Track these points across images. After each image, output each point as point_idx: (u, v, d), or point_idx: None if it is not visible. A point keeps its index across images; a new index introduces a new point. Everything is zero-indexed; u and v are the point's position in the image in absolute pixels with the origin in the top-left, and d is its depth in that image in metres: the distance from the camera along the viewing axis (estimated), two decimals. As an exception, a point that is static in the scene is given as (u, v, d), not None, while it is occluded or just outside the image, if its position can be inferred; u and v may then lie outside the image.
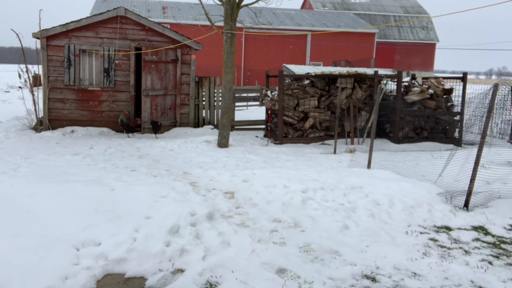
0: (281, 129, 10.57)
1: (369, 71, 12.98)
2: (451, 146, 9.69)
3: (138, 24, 11.68)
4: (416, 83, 10.96)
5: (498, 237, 4.81)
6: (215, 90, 12.60)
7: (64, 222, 4.42)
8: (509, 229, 5.03)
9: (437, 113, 10.74)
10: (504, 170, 6.84)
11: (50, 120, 11.39)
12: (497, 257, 4.27)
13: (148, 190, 5.60)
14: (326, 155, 9.18)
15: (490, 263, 4.12)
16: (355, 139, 10.76)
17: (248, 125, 12.81)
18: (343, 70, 13.37)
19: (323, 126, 10.90)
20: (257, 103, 13.90)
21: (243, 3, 9.86)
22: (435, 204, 5.64)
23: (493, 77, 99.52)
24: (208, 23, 10.12)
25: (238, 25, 10.06)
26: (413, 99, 10.56)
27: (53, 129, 11.22)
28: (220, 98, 11.97)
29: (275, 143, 10.60)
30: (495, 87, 5.66)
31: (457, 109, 10.79)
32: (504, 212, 5.43)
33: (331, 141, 10.12)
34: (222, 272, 3.73)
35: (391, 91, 11.07)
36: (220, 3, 9.92)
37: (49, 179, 6.07)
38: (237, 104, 15.05)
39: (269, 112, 11.45)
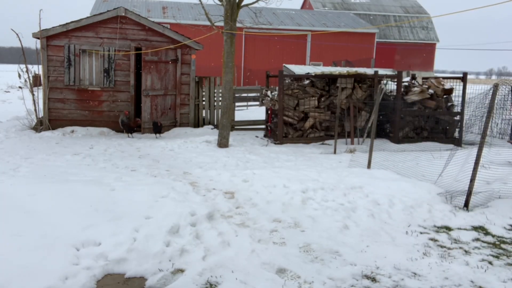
0: (281, 129, 10.57)
1: (369, 71, 12.98)
2: (451, 146, 9.69)
3: (138, 24, 11.68)
4: (416, 83, 10.96)
5: (498, 237, 4.81)
6: (215, 90, 12.60)
7: (64, 222, 4.42)
8: (509, 229, 5.03)
9: (437, 113, 10.74)
10: (504, 170, 6.84)
11: (50, 120, 11.39)
12: (497, 257, 4.27)
13: (148, 190, 5.60)
14: (326, 155, 9.18)
15: (490, 263, 4.12)
16: (355, 139, 10.76)
17: (248, 125, 12.82)
18: (343, 70, 13.36)
19: (323, 126, 10.90)
20: (257, 103, 13.90)
21: (243, 3, 9.86)
22: (435, 204, 5.64)
23: (493, 77, 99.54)
24: (208, 23, 10.13)
25: (238, 25, 10.07)
26: (413, 99, 10.56)
27: (53, 129, 11.23)
28: (220, 98, 11.97)
29: (275, 143, 10.60)
30: (495, 87, 5.66)
31: (457, 109, 10.79)
32: (504, 212, 5.43)
33: (331, 141, 10.12)
34: (222, 272, 3.73)
35: (391, 91, 11.07)
36: (220, 3, 9.92)
37: (49, 179, 6.07)
38: (237, 104, 15.06)
39: (269, 112, 11.45)
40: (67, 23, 11.31)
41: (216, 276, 3.66)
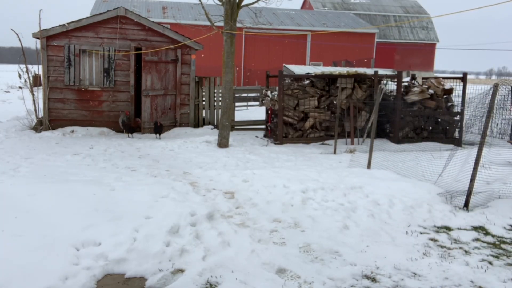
0: (281, 129, 10.57)
1: (369, 71, 12.98)
2: (451, 146, 9.69)
3: (138, 24, 11.68)
4: (416, 83, 10.96)
5: (498, 237, 4.81)
6: (215, 90, 12.60)
7: (64, 222, 4.42)
8: (509, 229, 5.03)
9: (437, 113, 10.74)
10: (504, 170, 6.84)
11: (50, 120, 11.39)
12: (497, 257, 4.27)
13: (148, 190, 5.60)
14: (326, 155, 9.18)
15: (490, 263, 4.12)
16: (355, 139, 10.76)
17: (248, 125, 12.81)
18: (343, 70, 13.36)
19: (323, 126, 10.90)
20: (257, 103, 13.90)
21: (243, 3, 9.86)
22: (435, 204, 5.64)
23: (493, 77, 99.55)
24: (208, 23, 10.13)
25: (238, 25, 10.07)
26: (413, 99, 10.56)
27: (53, 129, 11.23)
28: (220, 98, 11.97)
29: (275, 143, 10.60)
30: (495, 87, 5.66)
31: (457, 109, 10.79)
32: (504, 212, 5.43)
33: (331, 141, 10.12)
34: (222, 272, 3.73)
35: (391, 91, 11.07)
36: (220, 3, 9.93)
37: (49, 179, 6.07)
38: (237, 104, 15.05)
39: (269, 112, 11.45)
40: (67, 23, 11.31)
41: (216, 276, 3.66)
